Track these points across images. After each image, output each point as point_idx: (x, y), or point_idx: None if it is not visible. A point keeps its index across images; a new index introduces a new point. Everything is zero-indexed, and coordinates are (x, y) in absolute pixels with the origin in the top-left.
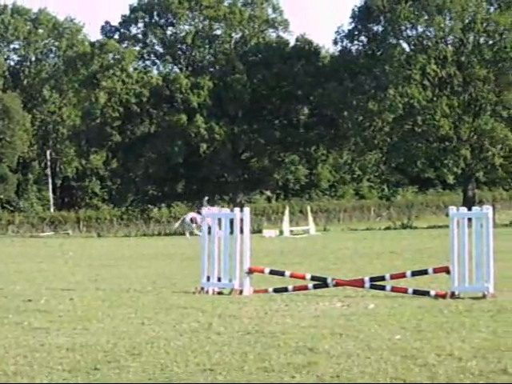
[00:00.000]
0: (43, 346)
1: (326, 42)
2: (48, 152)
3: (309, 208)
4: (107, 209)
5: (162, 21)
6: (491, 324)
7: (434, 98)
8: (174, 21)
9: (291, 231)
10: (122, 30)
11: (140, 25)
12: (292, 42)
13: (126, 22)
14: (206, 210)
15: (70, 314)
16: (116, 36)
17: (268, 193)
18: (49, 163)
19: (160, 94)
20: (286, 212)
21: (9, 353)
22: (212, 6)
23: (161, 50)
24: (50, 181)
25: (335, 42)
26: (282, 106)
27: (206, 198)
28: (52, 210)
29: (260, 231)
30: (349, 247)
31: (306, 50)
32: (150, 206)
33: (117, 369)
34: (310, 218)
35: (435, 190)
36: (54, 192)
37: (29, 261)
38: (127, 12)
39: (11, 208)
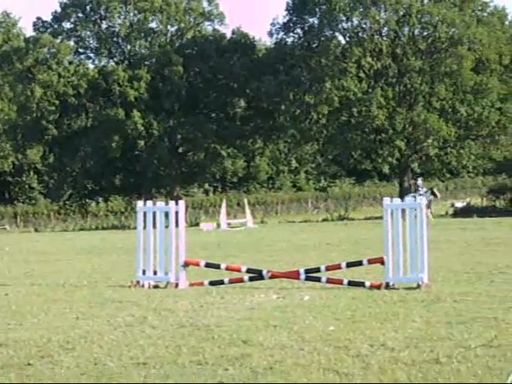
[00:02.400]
0: None
1: (262, 34)
2: None
3: (246, 201)
4: (44, 203)
5: (95, 15)
6: (425, 314)
7: (370, 90)
8: (108, 14)
9: (229, 224)
10: (55, 26)
11: (72, 20)
12: (228, 35)
13: (58, 17)
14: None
15: (4, 310)
16: (49, 31)
17: (206, 186)
18: None
19: (97, 87)
20: (223, 205)
21: None
22: None
23: (95, 44)
24: None
25: (270, 34)
26: (218, 99)
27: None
28: None
29: (197, 224)
30: (286, 239)
31: (242, 43)
32: (87, 200)
33: (50, 363)
34: (248, 211)
35: (372, 182)
36: None
37: None
38: (59, 8)
39: None
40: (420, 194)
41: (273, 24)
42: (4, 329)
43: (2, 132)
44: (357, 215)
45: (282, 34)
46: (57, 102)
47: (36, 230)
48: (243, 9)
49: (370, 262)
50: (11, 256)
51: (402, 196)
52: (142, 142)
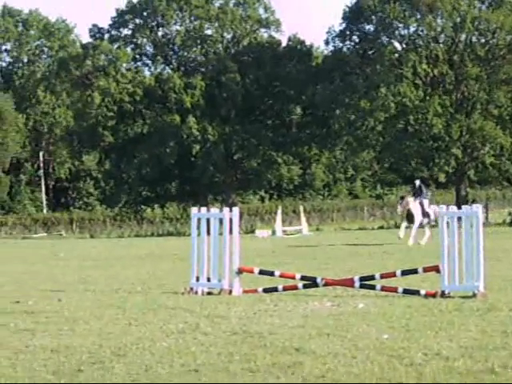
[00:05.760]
0: (28, 347)
1: (317, 41)
2: (41, 153)
3: (302, 208)
4: (100, 210)
5: (152, 22)
6: (480, 323)
7: (427, 97)
8: (164, 22)
9: (284, 231)
10: (112, 32)
11: (130, 27)
12: (284, 42)
13: (115, 24)
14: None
15: (58, 315)
16: (106, 37)
17: (262, 193)
18: (42, 164)
19: (153, 94)
20: (279, 212)
21: None
22: (202, 6)
23: (152, 50)
24: (42, 182)
25: (327, 43)
26: (274, 106)
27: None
28: (45, 211)
29: (253, 231)
30: (341, 247)
31: (298, 50)
32: (143, 206)
33: (101, 370)
34: (303, 218)
35: (429, 190)
36: (46, 193)
37: (20, 262)
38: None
39: (4, 209)
40: (423, 197)
41: (329, 32)
42: (56, 335)
43: (58, 138)
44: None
45: (338, 41)
46: (114, 109)
47: (92, 236)
48: (299, 16)
49: (426, 270)
50: (66, 262)
51: (458, 204)
52: (197, 147)
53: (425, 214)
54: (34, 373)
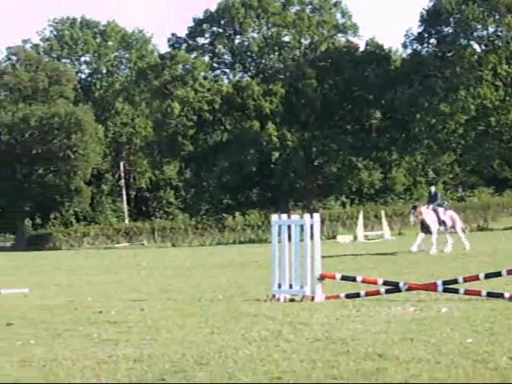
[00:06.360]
0: (111, 357)
1: (395, 44)
2: (121, 163)
3: (383, 212)
4: (182, 218)
5: (229, 30)
6: None
7: (507, 98)
8: (241, 29)
9: (366, 236)
10: (189, 42)
11: (207, 35)
12: (362, 47)
13: (193, 33)
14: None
15: (140, 325)
16: (183, 47)
17: (343, 198)
18: (122, 174)
19: (232, 101)
20: (360, 217)
21: (76, 365)
22: (279, 13)
23: (230, 58)
24: (124, 192)
25: (405, 46)
26: (353, 111)
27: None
28: (127, 221)
29: (334, 237)
30: (423, 251)
31: (376, 54)
32: (224, 214)
33: (183, 379)
34: (385, 223)
35: None
36: (128, 203)
37: (102, 272)
38: (192, 24)
39: (86, 220)
40: (438, 204)
41: (407, 35)
42: (139, 344)
43: (138, 149)
44: (496, 225)
45: (416, 44)
46: (194, 118)
47: (173, 245)
48: (376, 19)
49: (510, 272)
50: (148, 271)
51: None
52: (276, 154)
53: (441, 222)
54: (117, 382)
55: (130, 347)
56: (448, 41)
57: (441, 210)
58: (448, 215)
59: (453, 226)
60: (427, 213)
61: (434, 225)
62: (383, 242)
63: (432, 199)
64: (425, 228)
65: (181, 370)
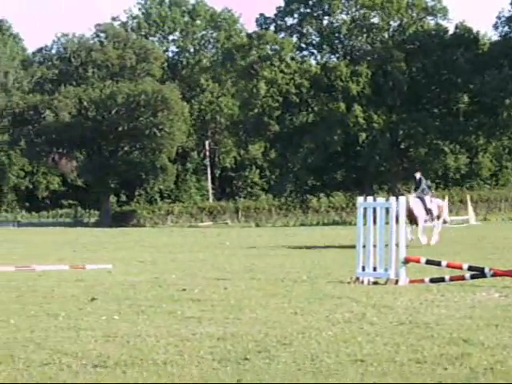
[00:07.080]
0: (194, 335)
1: (484, 28)
2: (207, 142)
3: (469, 197)
4: (265, 198)
5: (318, 11)
6: None
7: None
8: (330, 10)
9: (451, 221)
10: (278, 22)
11: (295, 15)
12: (451, 30)
13: (281, 13)
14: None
15: (223, 304)
16: (272, 27)
17: (428, 182)
18: (207, 153)
19: (319, 82)
20: (446, 201)
21: (160, 342)
22: None
23: (317, 39)
24: (208, 171)
25: (496, 28)
26: (440, 95)
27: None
28: (211, 200)
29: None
30: (509, 237)
31: (466, 38)
32: (308, 195)
33: (267, 359)
34: (470, 208)
35: None
36: (212, 182)
37: (186, 250)
38: (282, 4)
39: (170, 198)
40: (423, 191)
41: (498, 17)
42: (222, 323)
43: (224, 128)
44: None
45: (506, 28)
46: (280, 99)
47: (257, 225)
48: (467, 2)
49: None
50: (231, 250)
51: None
52: (363, 136)
53: (427, 211)
54: (200, 360)
55: (213, 325)
56: None
57: (427, 198)
58: (435, 204)
59: (438, 216)
60: (414, 201)
61: (420, 213)
62: (469, 227)
63: (417, 186)
64: (412, 218)
65: (264, 350)
